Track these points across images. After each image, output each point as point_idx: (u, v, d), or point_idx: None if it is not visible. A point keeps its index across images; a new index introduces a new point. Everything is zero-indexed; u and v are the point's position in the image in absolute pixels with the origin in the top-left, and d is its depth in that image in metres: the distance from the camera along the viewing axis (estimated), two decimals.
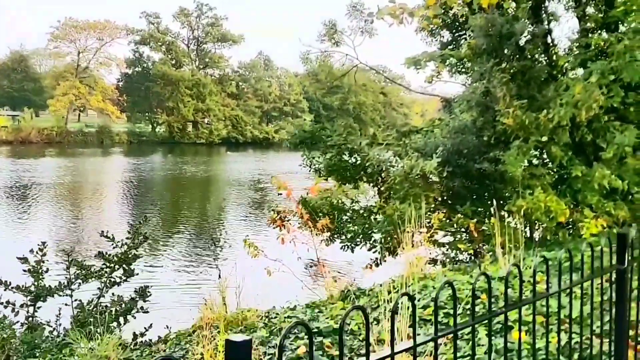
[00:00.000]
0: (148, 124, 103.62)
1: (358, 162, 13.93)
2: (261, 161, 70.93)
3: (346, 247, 13.28)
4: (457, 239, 12.14)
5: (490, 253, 9.93)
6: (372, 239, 13.10)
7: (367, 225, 12.91)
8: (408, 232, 9.82)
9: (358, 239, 13.09)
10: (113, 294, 7.36)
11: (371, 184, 13.66)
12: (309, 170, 14.14)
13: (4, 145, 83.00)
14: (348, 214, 13.69)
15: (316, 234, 11.18)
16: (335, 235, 13.31)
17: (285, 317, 6.58)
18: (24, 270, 7.00)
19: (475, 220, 11.91)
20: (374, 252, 13.04)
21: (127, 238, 7.33)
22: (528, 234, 12.03)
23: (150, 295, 7.20)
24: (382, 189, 13.20)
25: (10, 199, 40.24)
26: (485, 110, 12.24)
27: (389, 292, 8.27)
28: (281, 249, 9.80)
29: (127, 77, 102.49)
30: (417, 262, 9.02)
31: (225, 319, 6.63)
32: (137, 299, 7.10)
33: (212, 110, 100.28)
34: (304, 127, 14.20)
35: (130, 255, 7.19)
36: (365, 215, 13.45)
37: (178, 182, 54.66)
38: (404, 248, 9.74)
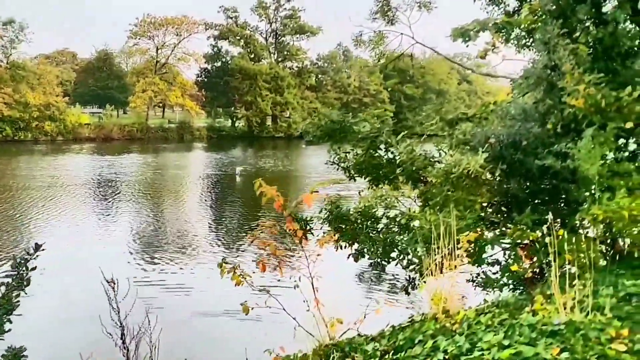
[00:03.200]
0: (227, 118, 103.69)
1: (396, 158, 11.32)
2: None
3: (376, 264, 10.78)
4: (511, 257, 9.43)
5: (551, 280, 7.23)
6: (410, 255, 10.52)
7: (389, 240, 10.35)
8: (438, 251, 7.35)
9: (390, 255, 10.54)
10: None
11: (410, 186, 11.02)
12: (336, 169, 11.64)
13: (87, 142, 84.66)
14: (383, 222, 11.15)
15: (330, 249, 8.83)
16: (365, 250, 10.82)
17: None
18: None
19: (537, 232, 9.17)
20: (410, 271, 10.52)
21: (7, 276, 5.15)
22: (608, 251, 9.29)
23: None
24: (418, 192, 10.56)
25: (92, 197, 40.13)
26: (550, 90, 9.44)
27: (386, 353, 5.79)
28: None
29: (206, 73, 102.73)
30: (439, 300, 6.49)
31: None
32: None
33: (290, 104, 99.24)
34: (331, 116, 11.55)
35: (6, 300, 5.01)
36: (402, 224, 10.85)
37: (257, 177, 53.80)
38: (427, 275, 7.26)
